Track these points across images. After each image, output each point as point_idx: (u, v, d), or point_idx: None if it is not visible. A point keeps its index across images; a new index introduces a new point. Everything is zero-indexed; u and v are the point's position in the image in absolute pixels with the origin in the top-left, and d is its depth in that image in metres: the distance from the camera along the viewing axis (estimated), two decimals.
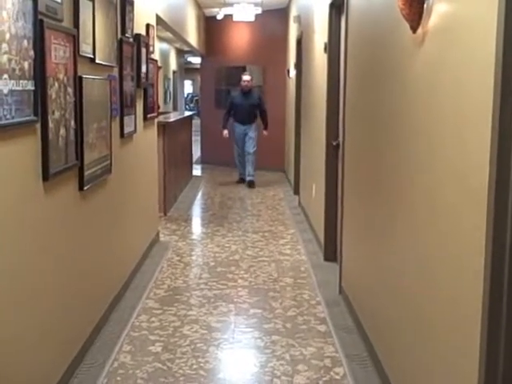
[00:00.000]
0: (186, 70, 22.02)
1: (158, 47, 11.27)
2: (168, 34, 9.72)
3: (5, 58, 2.15)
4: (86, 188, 3.23)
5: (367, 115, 3.54)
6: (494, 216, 1.70)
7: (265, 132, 9.65)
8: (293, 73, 9.20)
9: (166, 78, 15.45)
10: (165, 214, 7.05)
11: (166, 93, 15.50)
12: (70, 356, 3.08)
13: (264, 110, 9.61)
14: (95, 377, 3.09)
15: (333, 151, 5.12)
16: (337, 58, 4.96)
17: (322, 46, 5.45)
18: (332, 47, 5.06)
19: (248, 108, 9.50)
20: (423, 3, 2.33)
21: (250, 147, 9.59)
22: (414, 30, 2.39)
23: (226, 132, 9.64)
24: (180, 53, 18.42)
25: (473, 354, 1.83)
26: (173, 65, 17.28)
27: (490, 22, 1.71)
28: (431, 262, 2.27)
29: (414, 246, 2.50)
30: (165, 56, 15.13)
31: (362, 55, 3.76)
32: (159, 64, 9.28)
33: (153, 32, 5.50)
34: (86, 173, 3.23)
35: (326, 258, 5.26)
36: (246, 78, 9.54)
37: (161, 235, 6.12)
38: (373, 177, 3.36)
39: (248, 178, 9.59)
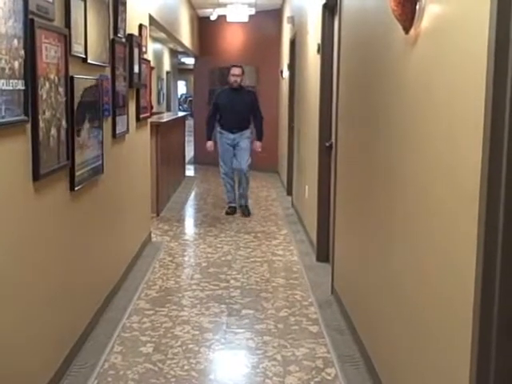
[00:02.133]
0: (179, 71, 22.00)
1: (152, 48, 11.27)
2: (161, 35, 9.71)
3: None
4: (77, 188, 3.22)
5: (360, 116, 3.54)
6: (485, 215, 1.70)
7: (258, 144, 7.36)
8: (286, 73, 9.20)
9: (159, 78, 15.43)
10: (157, 215, 7.04)
11: (159, 93, 15.47)
12: (60, 357, 3.06)
13: (259, 113, 7.27)
14: (86, 378, 3.07)
15: (325, 152, 5.12)
16: (330, 58, 4.97)
17: (315, 47, 5.45)
18: (325, 48, 5.06)
19: (238, 110, 7.12)
20: (416, 4, 2.33)
21: (243, 162, 7.18)
22: (407, 30, 2.39)
23: (210, 143, 7.28)
24: (173, 53, 18.41)
25: (464, 353, 1.83)
26: (166, 65, 17.25)
27: (482, 22, 1.70)
28: (423, 262, 2.27)
29: (407, 247, 2.50)
30: (158, 56, 15.11)
31: (355, 56, 3.76)
32: (152, 64, 9.25)
33: (145, 32, 5.49)
34: (77, 173, 3.22)
35: (319, 259, 5.26)
36: (235, 70, 7.20)
37: (153, 236, 6.10)
38: (365, 178, 3.36)
39: (241, 202, 7.35)
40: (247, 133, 7.26)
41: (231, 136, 7.16)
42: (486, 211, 1.70)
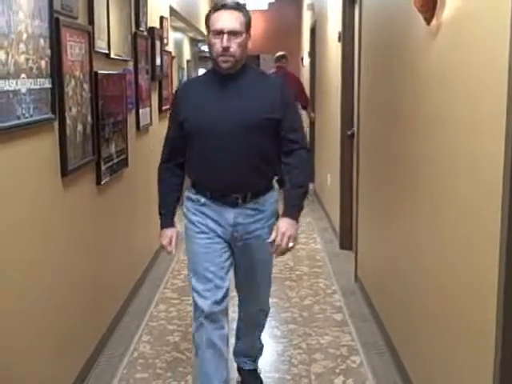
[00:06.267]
0: (199, 59, 22.00)
1: (172, 37, 11.27)
2: (181, 24, 9.72)
3: (22, 57, 2.19)
4: (103, 182, 3.28)
5: (382, 105, 3.54)
6: (508, 203, 1.71)
7: (285, 232, 2.40)
8: (307, 61, 9.17)
9: (180, 67, 15.44)
10: (182, 204, 7.08)
11: (180, 82, 15.49)
12: (89, 347, 3.14)
13: (300, 140, 2.53)
14: (115, 367, 3.15)
15: (347, 140, 5.13)
16: (351, 47, 4.95)
17: (336, 35, 5.43)
18: (346, 37, 5.04)
19: (239, 136, 2.40)
20: None
21: (260, 295, 2.80)
22: (428, 21, 2.39)
23: (168, 237, 2.75)
24: (193, 42, 18.40)
25: (489, 342, 1.85)
26: (186, 54, 17.24)
27: (504, 11, 1.70)
28: (448, 249, 2.28)
29: (430, 235, 2.51)
30: (178, 45, 15.08)
31: (376, 46, 3.75)
32: (173, 54, 9.26)
33: (167, 24, 5.52)
34: (103, 167, 3.28)
35: (342, 247, 5.29)
36: (225, 19, 2.37)
37: (178, 226, 6.14)
38: (389, 165, 3.37)
39: (243, 363, 2.99)
40: (271, 203, 2.61)
41: (229, 215, 2.55)
42: (509, 200, 1.71)
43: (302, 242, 5.58)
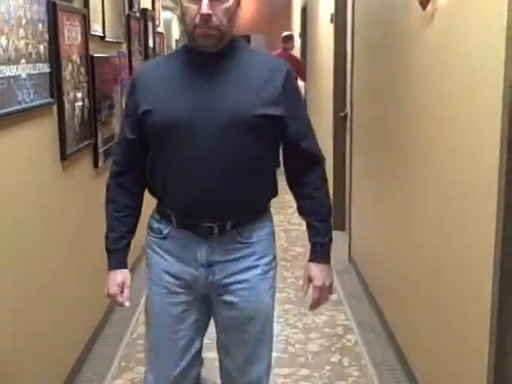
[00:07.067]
0: None
1: (162, 16, 11.20)
2: (170, 3, 9.67)
3: (22, 43, 2.20)
4: (100, 165, 3.30)
5: (376, 88, 3.56)
6: (505, 195, 1.74)
7: (322, 282, 1.90)
8: (298, 41, 9.14)
9: (169, 47, 15.36)
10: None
11: None
12: (89, 329, 3.18)
13: (312, 147, 1.85)
14: (115, 348, 3.19)
15: (340, 122, 5.15)
16: (343, 29, 4.93)
17: (328, 16, 5.42)
18: (339, 18, 5.03)
19: (222, 138, 1.68)
20: None
21: (250, 367, 1.92)
22: (424, 6, 2.40)
23: (119, 283, 2.01)
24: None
25: (484, 319, 1.89)
26: (175, 33, 17.16)
27: None
28: (441, 228, 2.32)
29: (424, 215, 2.56)
30: (167, 25, 14.99)
31: (370, 29, 3.75)
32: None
33: (158, 5, 5.51)
34: (100, 150, 3.30)
35: (335, 227, 5.23)
36: None
37: None
38: (381, 148, 3.41)
39: None
40: (262, 236, 1.89)
41: (200, 251, 1.81)
42: (505, 193, 1.74)
43: (296, 223, 5.62)
